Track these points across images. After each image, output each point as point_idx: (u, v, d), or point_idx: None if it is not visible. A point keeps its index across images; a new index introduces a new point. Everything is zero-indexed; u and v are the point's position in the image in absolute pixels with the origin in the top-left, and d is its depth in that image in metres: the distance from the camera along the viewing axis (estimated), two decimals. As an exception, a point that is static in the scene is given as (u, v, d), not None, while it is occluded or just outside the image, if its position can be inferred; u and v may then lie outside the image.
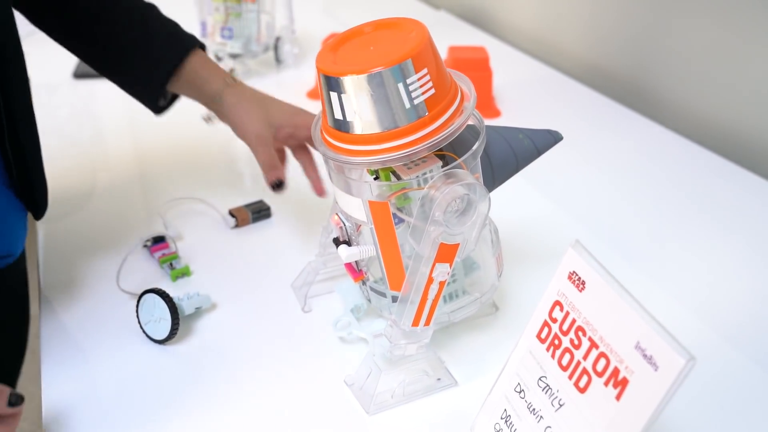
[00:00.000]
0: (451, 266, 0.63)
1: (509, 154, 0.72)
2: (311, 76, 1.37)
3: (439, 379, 0.69)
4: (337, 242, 0.71)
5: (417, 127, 0.60)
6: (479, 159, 0.66)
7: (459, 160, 0.63)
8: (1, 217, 0.73)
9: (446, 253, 0.62)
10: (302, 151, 0.87)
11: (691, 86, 1.23)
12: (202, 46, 0.86)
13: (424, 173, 0.64)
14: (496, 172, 0.72)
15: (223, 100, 0.83)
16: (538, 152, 0.74)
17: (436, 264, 0.62)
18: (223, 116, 0.85)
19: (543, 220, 0.97)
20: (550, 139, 0.75)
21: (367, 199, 0.64)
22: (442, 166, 0.65)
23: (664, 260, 0.89)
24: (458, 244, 0.62)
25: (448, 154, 0.66)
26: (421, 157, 0.64)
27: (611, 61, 1.42)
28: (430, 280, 0.63)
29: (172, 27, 0.85)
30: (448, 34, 1.56)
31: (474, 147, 0.64)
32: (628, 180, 1.07)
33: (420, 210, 0.61)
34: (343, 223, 0.70)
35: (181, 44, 0.84)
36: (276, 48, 1.52)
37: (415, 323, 0.65)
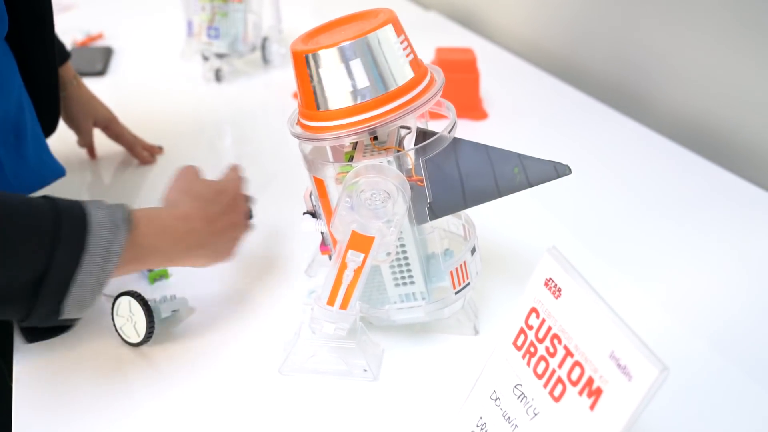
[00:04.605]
0: (366, 258, 0.63)
1: (486, 173, 0.67)
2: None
3: (365, 370, 0.70)
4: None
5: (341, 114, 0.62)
6: (435, 165, 0.66)
7: (405, 152, 0.63)
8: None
9: (360, 242, 0.63)
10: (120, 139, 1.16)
11: (678, 88, 1.22)
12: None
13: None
14: (466, 186, 0.67)
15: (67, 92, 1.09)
16: (528, 182, 0.68)
17: (349, 250, 0.63)
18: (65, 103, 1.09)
19: (525, 221, 0.96)
20: (551, 172, 0.67)
21: (313, 174, 0.67)
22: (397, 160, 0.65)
23: (647, 263, 0.88)
24: (373, 238, 0.63)
25: (398, 148, 0.67)
26: (385, 148, 0.65)
27: (598, 62, 1.41)
28: (344, 265, 0.64)
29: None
30: (438, 35, 1.55)
31: (420, 145, 0.64)
32: (614, 182, 1.07)
33: (342, 192, 0.63)
34: (310, 196, 0.73)
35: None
36: (263, 48, 1.50)
37: (330, 302, 0.66)
